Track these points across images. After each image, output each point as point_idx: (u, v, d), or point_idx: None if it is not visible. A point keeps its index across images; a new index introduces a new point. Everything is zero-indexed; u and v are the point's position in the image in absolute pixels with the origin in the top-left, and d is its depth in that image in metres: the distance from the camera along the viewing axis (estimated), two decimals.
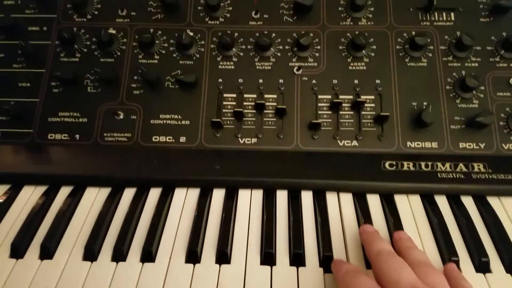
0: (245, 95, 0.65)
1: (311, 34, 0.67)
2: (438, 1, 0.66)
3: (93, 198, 0.59)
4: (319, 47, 0.67)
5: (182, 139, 0.63)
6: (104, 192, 0.60)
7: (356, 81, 0.65)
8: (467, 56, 0.65)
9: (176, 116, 0.64)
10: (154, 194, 0.59)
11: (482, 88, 0.64)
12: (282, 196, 0.59)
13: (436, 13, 0.68)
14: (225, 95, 0.65)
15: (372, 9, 0.68)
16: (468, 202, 0.59)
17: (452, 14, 0.68)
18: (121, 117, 0.64)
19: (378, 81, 0.65)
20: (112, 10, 0.69)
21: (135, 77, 0.66)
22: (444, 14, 0.68)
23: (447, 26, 0.67)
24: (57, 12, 0.70)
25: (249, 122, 0.64)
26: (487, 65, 0.65)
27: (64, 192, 0.60)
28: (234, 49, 0.67)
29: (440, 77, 0.65)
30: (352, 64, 0.66)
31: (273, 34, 0.68)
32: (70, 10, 0.69)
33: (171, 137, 0.63)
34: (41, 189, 0.60)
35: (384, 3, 0.68)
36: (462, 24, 0.67)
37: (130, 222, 0.54)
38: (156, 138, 0.63)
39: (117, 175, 0.60)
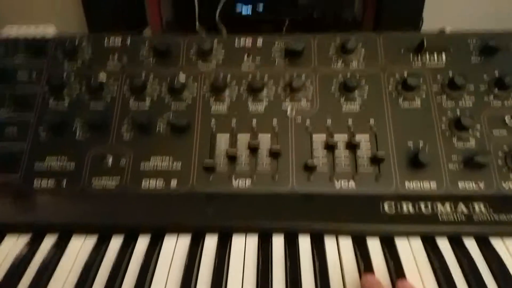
0: (239, 137, 0.63)
1: (304, 76, 0.66)
2: (428, 43, 0.66)
3: (79, 248, 0.55)
4: (311, 88, 0.66)
5: (173, 183, 0.61)
6: (91, 240, 0.56)
7: (350, 122, 0.64)
8: (461, 96, 0.65)
9: (167, 160, 0.62)
10: (142, 242, 0.55)
11: (478, 126, 0.63)
12: (278, 242, 0.55)
13: (427, 54, 0.67)
14: (218, 137, 0.63)
15: (363, 51, 0.68)
16: (470, 244, 0.56)
17: (444, 54, 0.67)
18: (110, 162, 0.61)
19: (372, 122, 0.64)
20: (104, 56, 0.69)
21: (126, 121, 0.64)
22: (435, 55, 0.67)
23: (439, 67, 0.67)
24: (47, 58, 0.69)
25: (243, 164, 0.62)
26: (481, 104, 0.64)
27: (49, 241, 0.56)
28: (226, 91, 0.66)
29: (435, 117, 0.64)
30: (345, 105, 0.65)
31: (266, 77, 0.67)
32: (60, 56, 0.68)
33: (161, 181, 0.61)
34: (25, 238, 0.57)
35: (375, 45, 0.68)
36: (453, 65, 0.67)
37: (117, 274, 0.50)
38: (145, 182, 0.61)
39: (104, 222, 0.57)
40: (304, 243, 0.55)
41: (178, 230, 0.57)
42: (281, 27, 0.87)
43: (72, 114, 0.65)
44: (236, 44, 0.70)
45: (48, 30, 0.88)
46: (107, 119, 0.64)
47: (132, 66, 0.69)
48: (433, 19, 0.89)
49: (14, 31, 0.94)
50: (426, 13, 0.88)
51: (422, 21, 0.89)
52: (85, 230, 0.57)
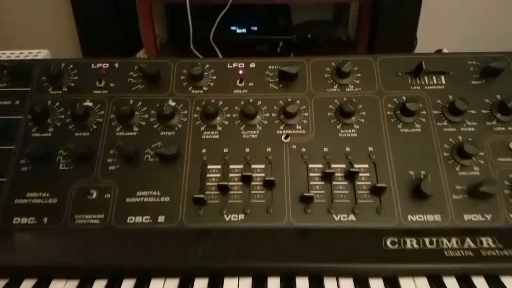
0: (231, 166, 0.58)
1: (298, 102, 0.61)
2: (427, 65, 0.61)
3: None
4: (306, 114, 0.61)
5: (161, 218, 0.55)
6: (71, 285, 0.50)
7: (347, 149, 0.58)
8: (462, 121, 0.60)
9: (154, 193, 0.56)
10: (127, 287, 0.49)
11: (482, 154, 0.57)
12: (274, 285, 0.49)
13: (426, 77, 0.62)
14: (209, 167, 0.58)
15: (359, 74, 0.63)
16: (480, 283, 0.50)
17: (443, 77, 0.62)
18: (94, 196, 0.56)
19: (371, 149, 0.58)
20: (90, 82, 0.63)
21: (112, 152, 0.58)
22: (434, 78, 0.62)
23: (438, 90, 0.62)
24: (31, 85, 0.63)
25: (236, 196, 0.56)
26: (484, 130, 0.59)
27: (27, 286, 0.50)
28: (218, 117, 0.61)
29: (436, 143, 0.59)
30: (342, 131, 0.60)
31: (259, 102, 0.62)
32: (45, 82, 0.63)
33: (148, 217, 0.55)
34: (1, 284, 0.50)
35: (371, 68, 0.63)
36: (453, 88, 0.62)
37: None
38: (131, 219, 0.55)
39: (86, 264, 0.51)
40: (302, 285, 0.49)
41: (165, 273, 0.51)
42: (275, 48, 0.82)
43: (56, 144, 0.59)
44: (228, 68, 0.65)
45: (42, 56, 0.83)
46: (92, 149, 0.58)
47: (119, 92, 0.63)
48: (427, 40, 0.85)
49: (6, 57, 0.89)
50: (420, 34, 0.84)
51: (416, 42, 0.84)
52: (66, 272, 0.51)
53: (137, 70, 0.65)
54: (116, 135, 0.61)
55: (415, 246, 0.52)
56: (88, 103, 0.63)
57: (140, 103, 0.63)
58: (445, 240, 0.53)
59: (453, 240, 0.53)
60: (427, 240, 0.53)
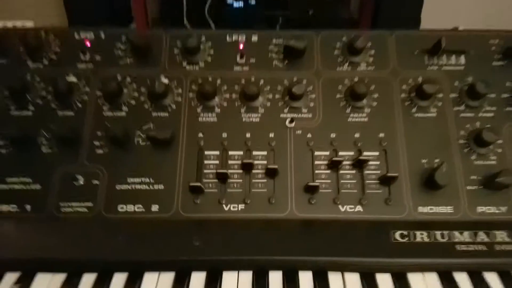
0: (230, 153, 0.57)
1: (305, 81, 0.60)
2: (446, 43, 0.60)
3: None
4: (313, 95, 0.60)
5: (155, 207, 0.55)
6: (58, 279, 0.50)
7: (357, 135, 0.58)
8: (481, 105, 0.59)
9: (147, 180, 0.56)
10: (118, 281, 0.50)
11: (500, 142, 0.57)
12: (275, 279, 0.50)
13: (444, 56, 0.61)
14: (206, 153, 0.57)
15: (372, 52, 0.62)
16: (492, 279, 0.51)
17: (463, 57, 0.61)
18: (81, 182, 0.55)
19: (382, 135, 0.58)
20: (73, 54, 0.61)
21: (99, 133, 0.57)
22: (453, 57, 0.61)
23: (457, 71, 0.61)
24: (9, 58, 0.61)
25: (235, 185, 0.56)
26: (503, 115, 0.59)
27: (9, 280, 0.50)
28: (216, 98, 0.59)
29: (452, 130, 0.58)
30: (351, 115, 0.59)
31: (262, 81, 0.60)
32: (24, 54, 0.60)
33: (141, 206, 0.55)
34: None
35: (385, 45, 0.62)
36: (473, 69, 0.61)
37: None
38: (122, 208, 0.55)
39: (74, 256, 0.51)
40: (305, 280, 0.50)
41: (159, 266, 0.51)
42: (274, 25, 0.80)
43: (37, 125, 0.57)
44: (227, 41, 0.63)
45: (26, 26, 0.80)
46: (77, 130, 0.57)
47: (106, 66, 0.61)
48: (431, 19, 0.83)
49: None
50: (424, 13, 0.82)
51: (420, 21, 0.83)
52: (51, 266, 0.51)
53: (126, 42, 0.63)
54: (103, 115, 0.59)
55: (425, 239, 0.53)
56: (72, 78, 0.61)
57: (129, 79, 0.61)
58: (457, 234, 0.53)
59: (466, 234, 0.53)
60: (438, 233, 0.53)
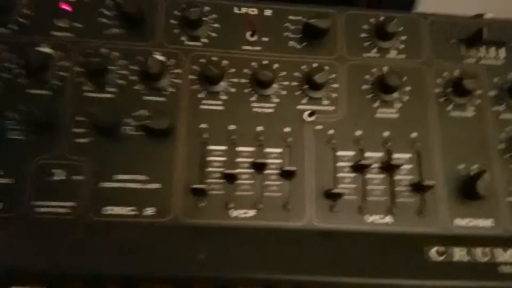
0: (239, 149, 0.51)
1: (327, 68, 0.54)
2: (488, 33, 0.56)
3: None
4: (336, 85, 0.55)
5: (149, 211, 0.48)
6: None
7: (386, 134, 0.53)
8: None
9: (140, 177, 0.49)
10: None
11: None
12: None
13: (484, 48, 0.57)
14: (210, 147, 0.51)
15: (404, 37, 0.57)
16: None
17: (503, 50, 0.57)
18: (60, 177, 0.47)
19: (414, 135, 0.53)
20: (47, 19, 0.53)
21: (80, 119, 0.50)
22: (493, 49, 0.57)
23: (496, 66, 0.57)
24: None
25: (245, 187, 0.50)
26: None
27: None
28: (222, 83, 0.53)
29: (491, 133, 0.54)
30: (380, 110, 0.54)
31: (276, 65, 0.54)
32: None
33: (132, 208, 0.48)
34: None
35: (418, 30, 0.57)
36: None
37: None
38: (109, 210, 0.48)
39: (52, 268, 0.44)
40: None
41: (154, 282, 0.45)
42: None
43: (4, 105, 0.49)
44: (236, 14, 0.56)
45: None
46: (54, 113, 0.49)
47: (88, 36, 0.53)
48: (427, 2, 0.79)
49: None
50: None
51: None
52: (25, 280, 0.43)
53: (113, 7, 0.55)
54: (86, 97, 0.52)
55: (465, 258, 0.49)
56: (46, 49, 0.53)
57: (116, 53, 0.54)
58: (500, 251, 0.50)
59: (509, 252, 0.50)
60: (478, 251, 0.50)
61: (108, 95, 0.51)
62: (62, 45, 0.52)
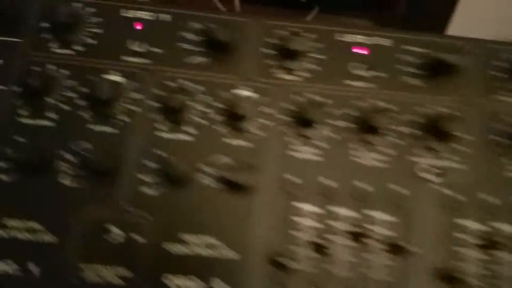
0: (334, 209, 0.42)
1: (458, 114, 0.44)
2: None
3: None
4: (467, 136, 0.44)
5: (218, 286, 0.40)
6: None
7: None
8: None
9: (212, 240, 0.41)
10: None
11: None
12: None
13: None
14: (295, 204, 0.42)
15: None
16: None
17: None
18: (118, 238, 0.41)
19: None
20: (120, 40, 0.47)
21: (146, 163, 0.43)
22: None
23: None
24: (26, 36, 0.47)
25: (338, 262, 0.41)
26: None
27: None
28: (319, 126, 0.44)
29: None
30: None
31: (392, 106, 0.45)
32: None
33: (198, 280, 0.40)
34: None
35: None
36: None
37: None
38: (171, 281, 0.40)
39: None
40: None
41: None
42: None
43: (59, 144, 0.43)
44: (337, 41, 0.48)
45: None
46: (119, 156, 0.43)
47: (167, 64, 0.47)
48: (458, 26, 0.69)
49: None
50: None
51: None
52: None
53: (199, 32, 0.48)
54: (157, 137, 0.45)
55: None
56: (116, 77, 0.47)
57: (199, 87, 0.47)
58: None
59: None
60: None
61: (186, 137, 0.44)
62: (134, 73, 0.45)
